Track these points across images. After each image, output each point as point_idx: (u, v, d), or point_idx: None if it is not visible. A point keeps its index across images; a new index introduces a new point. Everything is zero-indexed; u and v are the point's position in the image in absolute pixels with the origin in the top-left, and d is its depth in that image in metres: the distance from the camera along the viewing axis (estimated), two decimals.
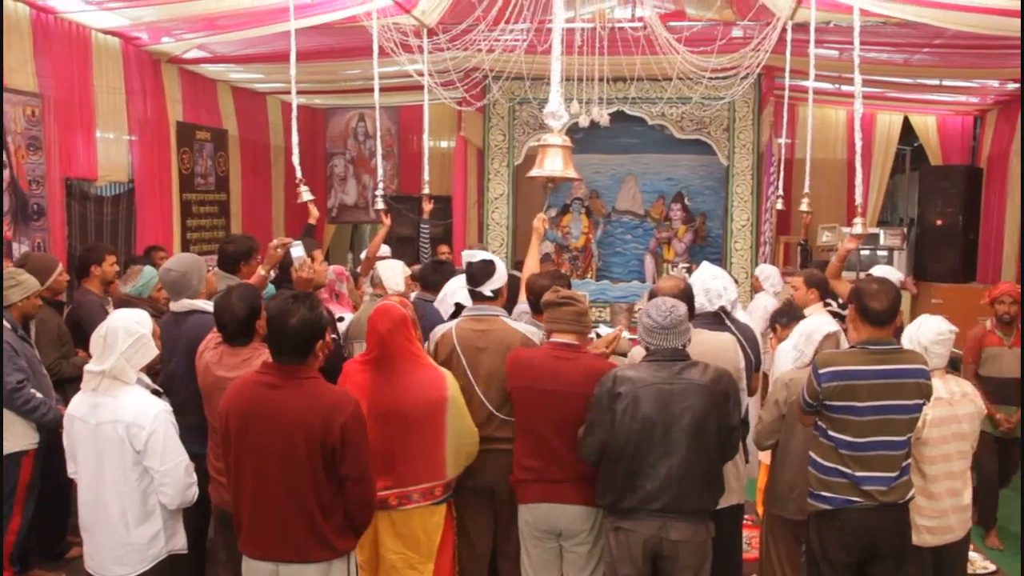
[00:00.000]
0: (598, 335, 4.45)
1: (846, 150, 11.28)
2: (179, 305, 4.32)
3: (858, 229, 4.91)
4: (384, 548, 3.70)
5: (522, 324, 4.12)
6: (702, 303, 4.44)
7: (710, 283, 4.54)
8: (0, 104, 6.17)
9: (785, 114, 7.04)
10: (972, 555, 4.69)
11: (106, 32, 7.62)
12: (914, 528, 3.83)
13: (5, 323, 4.63)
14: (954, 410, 3.87)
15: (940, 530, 3.90)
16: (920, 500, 3.84)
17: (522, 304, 4.39)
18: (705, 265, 4.69)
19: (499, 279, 4.21)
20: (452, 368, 4.00)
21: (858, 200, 5.05)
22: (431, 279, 5.42)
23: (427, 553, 3.75)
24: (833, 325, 4.26)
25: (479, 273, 4.19)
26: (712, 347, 3.90)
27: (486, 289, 4.18)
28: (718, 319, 4.54)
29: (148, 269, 5.32)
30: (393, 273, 5.20)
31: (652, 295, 3.92)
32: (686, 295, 4.01)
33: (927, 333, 3.90)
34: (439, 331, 4.18)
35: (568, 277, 4.66)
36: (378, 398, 3.61)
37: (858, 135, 5.03)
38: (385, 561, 3.71)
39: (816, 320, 4.30)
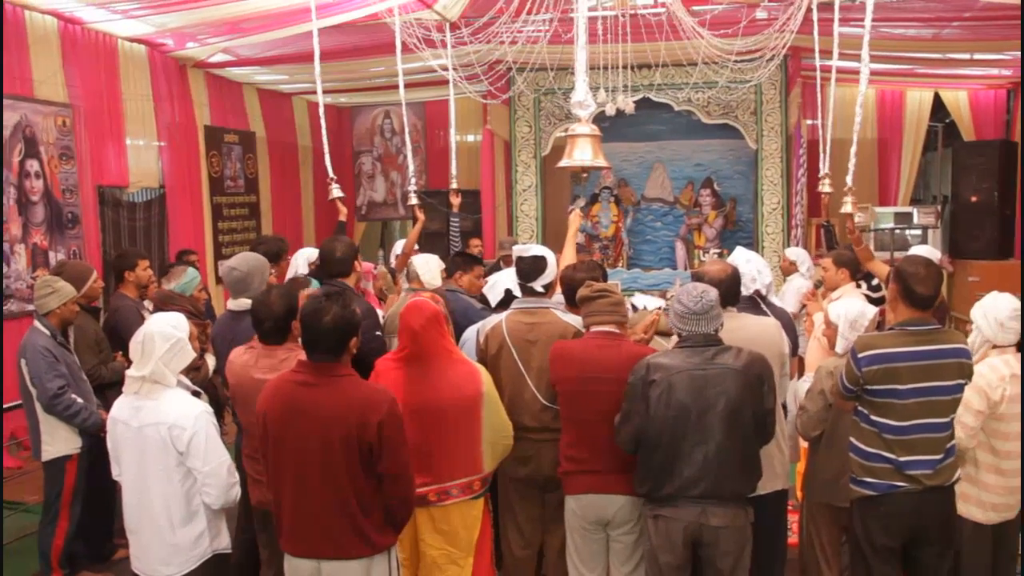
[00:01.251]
0: (634, 307, 4.46)
1: (875, 129, 11.17)
2: (238, 304, 4.36)
3: (847, 208, 4.93)
4: (424, 544, 3.70)
5: (572, 316, 4.07)
6: None
7: (744, 267, 4.56)
8: (0, 106, 6.25)
9: (819, 94, 6.93)
10: None
11: (132, 40, 7.71)
12: (980, 505, 3.79)
13: (44, 330, 4.69)
14: None
15: (1005, 507, 3.84)
16: (988, 477, 3.78)
17: (557, 296, 4.38)
18: (739, 250, 4.69)
19: (550, 274, 4.19)
20: (502, 361, 4.00)
21: (849, 179, 5.03)
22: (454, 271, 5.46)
23: (467, 547, 3.75)
24: (874, 308, 4.20)
25: (530, 269, 4.17)
26: (755, 332, 3.86)
27: (537, 285, 4.16)
28: (754, 303, 4.53)
29: (192, 270, 5.39)
30: (429, 268, 5.21)
31: (698, 278, 3.87)
32: (734, 279, 3.96)
33: (1004, 309, 3.79)
34: (488, 324, 4.15)
35: (603, 266, 4.65)
36: (413, 395, 3.58)
37: (859, 111, 4.99)
38: (426, 557, 3.71)
39: (857, 305, 4.22)
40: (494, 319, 4.16)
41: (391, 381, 3.62)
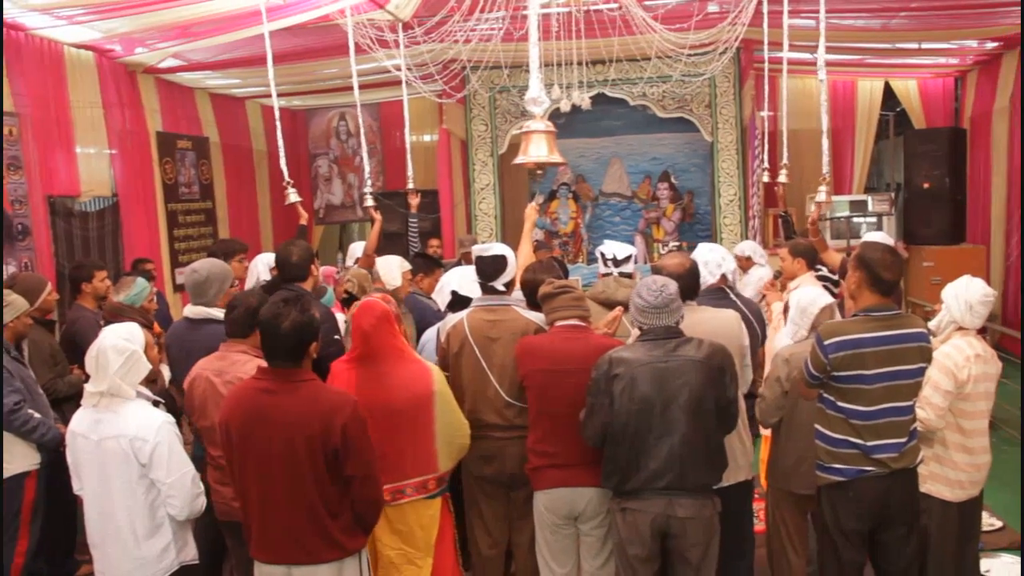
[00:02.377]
0: (602, 255, 4.59)
1: (829, 119, 11.28)
2: (194, 311, 4.30)
3: (821, 196, 5.00)
4: (381, 544, 3.69)
5: (534, 313, 4.07)
6: (704, 276, 4.54)
7: (708, 255, 4.70)
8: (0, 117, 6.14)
9: (767, 87, 7.00)
10: None
11: (79, 46, 7.57)
12: (947, 483, 3.86)
13: None
14: (987, 368, 3.88)
15: (971, 485, 3.92)
16: (957, 455, 3.86)
17: (517, 292, 4.38)
18: (700, 245, 4.77)
19: (510, 272, 4.20)
20: (464, 359, 3.99)
21: (824, 168, 5.10)
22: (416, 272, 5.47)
23: (425, 548, 3.74)
24: (827, 296, 4.25)
25: (491, 269, 4.16)
26: (715, 324, 3.90)
27: (498, 284, 4.15)
28: (723, 293, 4.59)
29: (141, 280, 5.30)
30: (390, 269, 5.20)
31: (656, 272, 3.89)
32: (692, 273, 4.00)
33: (975, 293, 3.87)
34: (449, 322, 4.14)
35: (562, 260, 4.66)
36: (365, 395, 3.54)
37: (824, 105, 5.09)
38: (383, 557, 3.70)
39: (810, 292, 4.28)
40: (455, 317, 4.15)
41: (344, 382, 3.63)
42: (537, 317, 4.04)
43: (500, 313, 4.07)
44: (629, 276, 4.58)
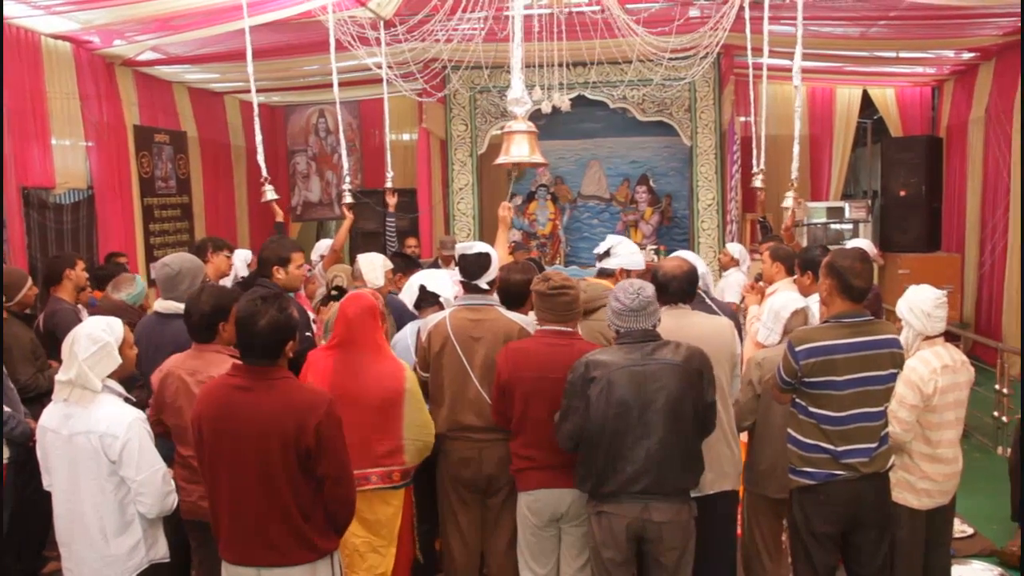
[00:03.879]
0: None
1: (807, 125, 11.37)
2: (164, 306, 4.23)
3: (787, 202, 5.04)
4: (348, 533, 3.68)
5: (518, 315, 4.07)
6: None
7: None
8: (0, 110, 6.06)
9: (751, 91, 7.03)
10: None
11: (56, 37, 7.50)
12: (914, 492, 3.87)
13: None
14: (956, 377, 3.89)
15: (939, 493, 3.93)
16: (925, 465, 3.87)
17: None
18: (679, 252, 4.78)
19: (494, 271, 4.19)
20: (446, 358, 3.97)
21: (794, 174, 5.13)
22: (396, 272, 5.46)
23: (389, 537, 3.80)
24: (800, 301, 4.27)
25: (474, 267, 4.14)
26: (708, 330, 3.87)
27: (482, 282, 4.14)
28: (699, 298, 4.59)
29: (139, 279, 5.28)
30: (373, 267, 5.18)
31: (653, 274, 3.89)
32: (690, 275, 3.98)
33: (927, 300, 3.86)
34: (431, 321, 4.11)
35: (540, 262, 4.65)
36: (339, 382, 3.66)
37: (799, 111, 5.11)
38: (348, 545, 3.72)
39: (782, 297, 4.30)
40: (436, 317, 4.12)
41: (320, 370, 3.72)
42: (520, 318, 4.03)
43: (483, 313, 4.05)
44: (611, 275, 4.58)
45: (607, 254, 4.60)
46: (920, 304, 3.87)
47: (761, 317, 4.33)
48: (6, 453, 4.59)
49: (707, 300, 4.69)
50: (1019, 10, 6.59)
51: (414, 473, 3.91)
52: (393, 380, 3.75)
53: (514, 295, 4.10)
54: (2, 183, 6.27)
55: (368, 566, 3.77)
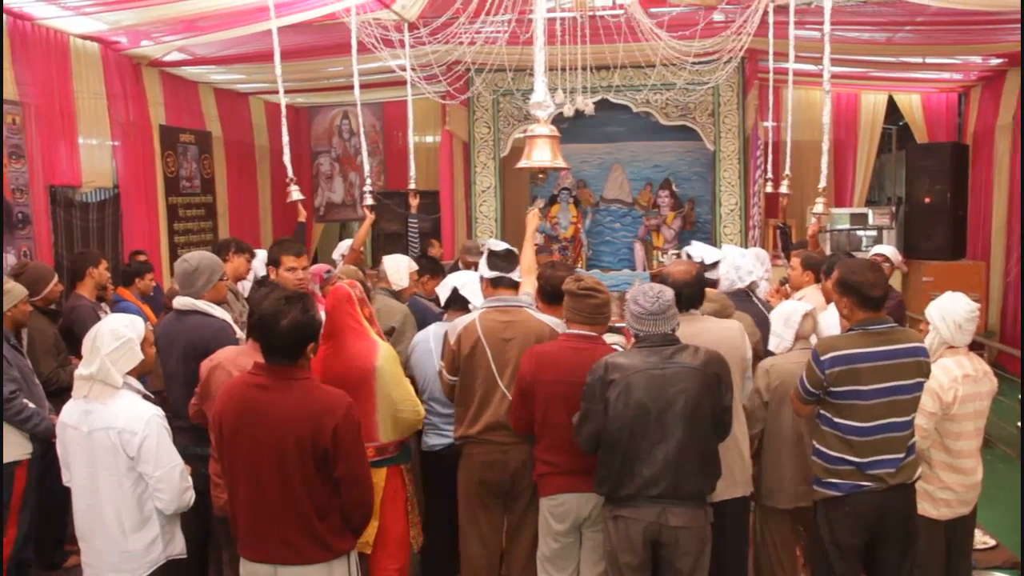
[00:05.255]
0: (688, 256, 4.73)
1: (831, 131, 11.29)
2: (182, 303, 4.26)
3: (819, 208, 5.03)
4: None
5: (548, 316, 4.06)
6: (732, 280, 4.80)
7: (739, 260, 4.89)
8: (0, 106, 6.13)
9: (771, 97, 7.01)
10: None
11: (84, 37, 7.57)
12: (933, 502, 3.84)
13: None
14: (978, 387, 3.85)
15: (959, 504, 3.90)
16: (945, 475, 3.84)
17: (524, 296, 4.36)
18: (729, 247, 5.01)
19: (519, 270, 4.23)
20: (476, 360, 3.98)
21: (822, 182, 5.10)
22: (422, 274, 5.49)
23: None
24: (806, 304, 4.23)
25: (505, 260, 4.18)
26: (717, 335, 3.85)
27: (515, 275, 4.17)
28: (746, 296, 4.65)
29: None
30: (398, 268, 5.21)
31: (662, 280, 3.85)
32: (698, 281, 3.96)
33: (961, 311, 3.82)
34: (459, 324, 4.10)
35: (573, 268, 4.67)
36: (325, 365, 3.86)
37: (827, 116, 5.08)
38: None
39: (789, 304, 4.27)
40: (465, 319, 4.11)
41: (318, 357, 3.83)
42: (549, 320, 4.03)
43: (513, 314, 4.05)
44: (714, 284, 4.66)
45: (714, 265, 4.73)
46: (953, 314, 3.83)
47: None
48: (29, 448, 4.65)
49: (753, 298, 4.76)
50: None
51: (400, 452, 4.04)
52: (363, 359, 3.90)
53: (560, 293, 3.94)
54: (2, 180, 6.31)
55: None
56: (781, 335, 4.12)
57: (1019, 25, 7.11)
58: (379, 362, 3.90)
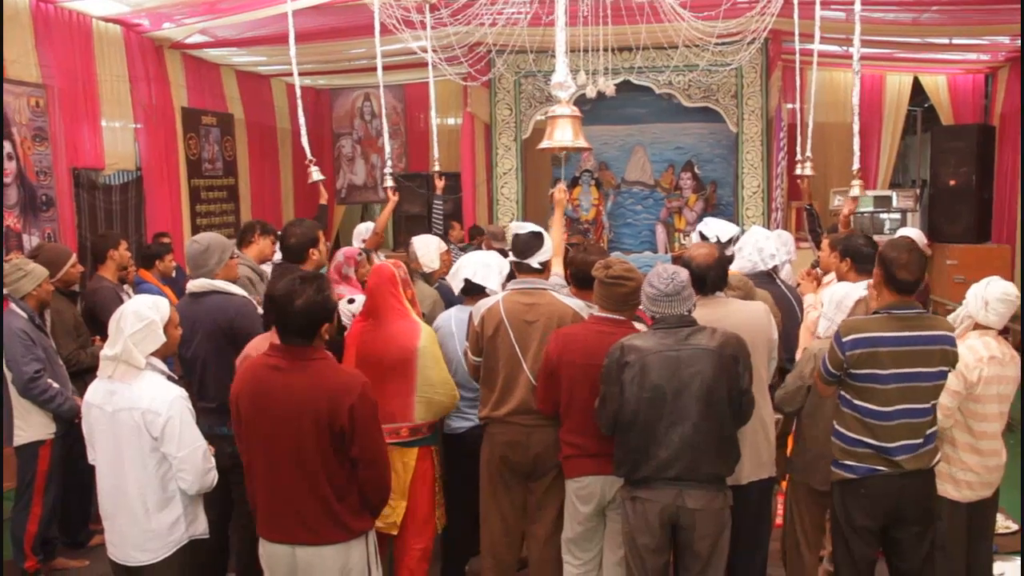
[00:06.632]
0: (702, 235, 4.90)
1: (859, 114, 11.17)
2: (196, 285, 4.26)
3: (855, 192, 4.98)
4: None
5: (572, 299, 4.07)
6: (755, 262, 4.87)
7: (763, 243, 4.94)
8: (0, 96, 6.16)
9: (798, 78, 6.93)
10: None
11: (107, 20, 7.61)
12: (955, 483, 3.83)
13: (22, 312, 4.64)
14: (1004, 371, 3.82)
15: (981, 486, 3.88)
16: (967, 457, 3.82)
17: (554, 277, 4.35)
18: (755, 227, 5.06)
19: (547, 252, 4.19)
20: (499, 342, 3.98)
21: (856, 164, 5.03)
22: None
23: (399, 491, 3.95)
24: (860, 290, 4.19)
25: (527, 246, 4.15)
26: (743, 317, 3.84)
27: (534, 261, 4.14)
28: (770, 278, 4.65)
29: None
30: (429, 251, 5.20)
31: (685, 263, 3.81)
32: (721, 263, 3.94)
33: (995, 291, 3.79)
34: (483, 305, 4.10)
35: (605, 251, 4.66)
36: (364, 344, 3.98)
37: (856, 96, 5.01)
38: None
39: (844, 286, 4.22)
40: (489, 301, 4.11)
41: (354, 333, 4.05)
42: (573, 302, 4.02)
43: (537, 297, 4.04)
44: (730, 259, 4.66)
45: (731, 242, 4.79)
46: (984, 292, 3.81)
47: (819, 307, 4.26)
48: (52, 428, 4.70)
49: (777, 280, 4.75)
50: None
51: (432, 434, 4.10)
52: (407, 339, 3.95)
53: (590, 278, 3.90)
54: (3, 165, 6.34)
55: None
56: (832, 319, 4.03)
57: None
58: (422, 343, 3.96)
